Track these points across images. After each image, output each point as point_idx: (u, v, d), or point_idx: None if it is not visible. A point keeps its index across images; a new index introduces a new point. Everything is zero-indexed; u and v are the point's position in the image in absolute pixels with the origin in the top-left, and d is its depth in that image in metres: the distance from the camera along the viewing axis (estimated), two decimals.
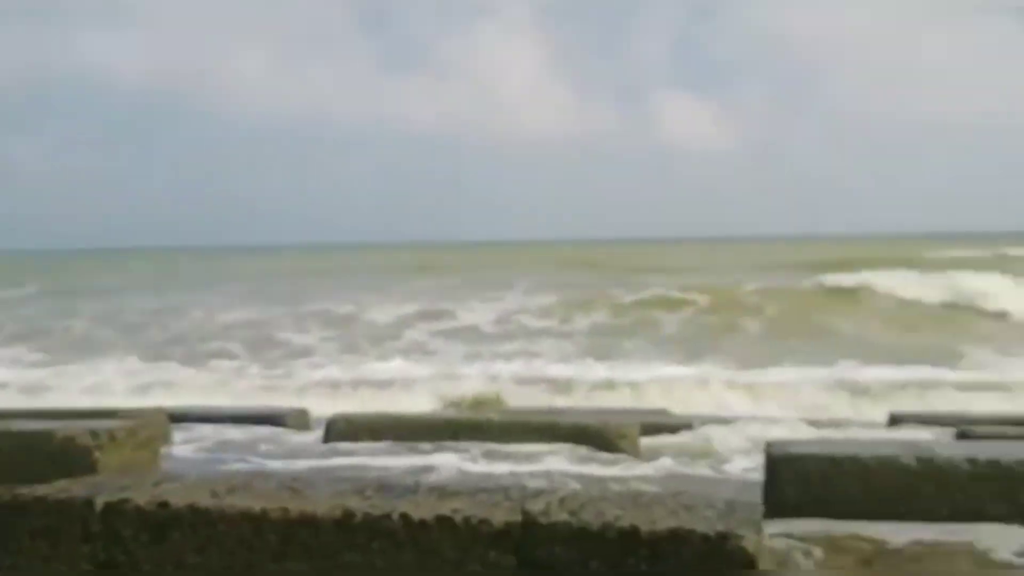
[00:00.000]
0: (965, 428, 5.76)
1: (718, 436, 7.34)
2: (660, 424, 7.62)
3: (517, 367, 13.79)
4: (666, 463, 5.82)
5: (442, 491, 2.81)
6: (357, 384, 12.12)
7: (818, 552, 3.54)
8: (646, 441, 7.17)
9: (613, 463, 5.63)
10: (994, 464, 3.84)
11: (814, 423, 7.82)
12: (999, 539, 3.60)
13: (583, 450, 5.95)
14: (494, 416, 6.77)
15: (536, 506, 2.61)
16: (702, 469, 5.87)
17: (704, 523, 2.47)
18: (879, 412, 8.51)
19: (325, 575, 2.59)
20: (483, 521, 2.55)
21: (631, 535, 2.45)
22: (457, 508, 2.61)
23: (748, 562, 2.40)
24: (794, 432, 6.85)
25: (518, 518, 2.55)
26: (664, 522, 2.48)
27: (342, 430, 6.64)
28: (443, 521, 2.56)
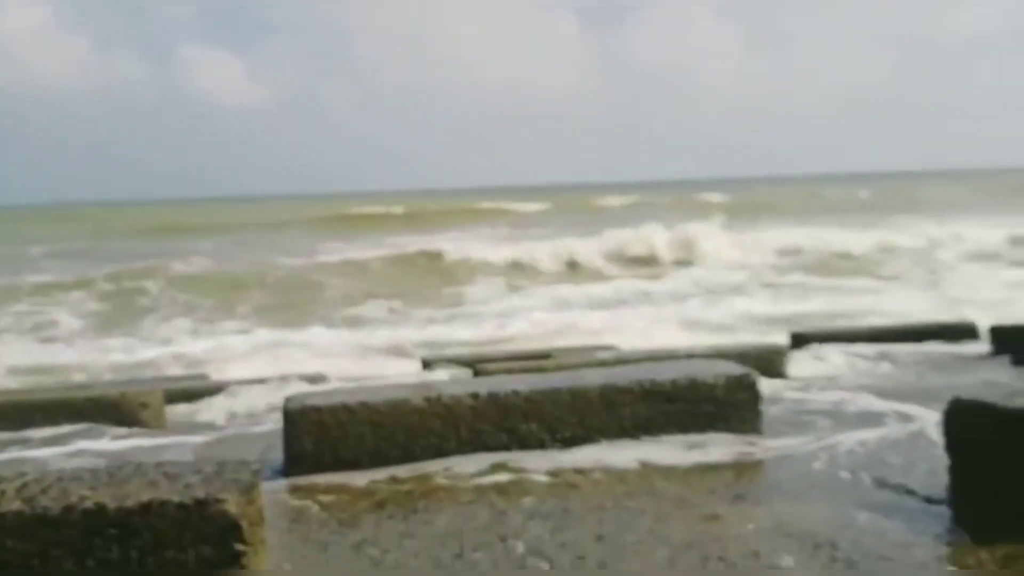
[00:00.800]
0: (479, 367, 6.16)
1: (253, 397, 7.18)
2: (192, 390, 7.26)
3: None
4: (192, 431, 5.51)
5: None
6: None
7: (332, 500, 3.53)
8: (179, 409, 6.80)
9: (128, 437, 5.20)
10: (493, 397, 4.09)
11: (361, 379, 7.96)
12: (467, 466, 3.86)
13: (98, 427, 5.43)
14: None
15: None
16: (232, 431, 5.65)
17: (182, 492, 2.28)
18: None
19: None
20: None
21: (97, 515, 2.20)
22: None
23: (232, 526, 2.26)
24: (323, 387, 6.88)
25: None
26: (136, 496, 2.26)
27: None
28: None
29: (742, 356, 5.97)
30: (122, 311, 16.95)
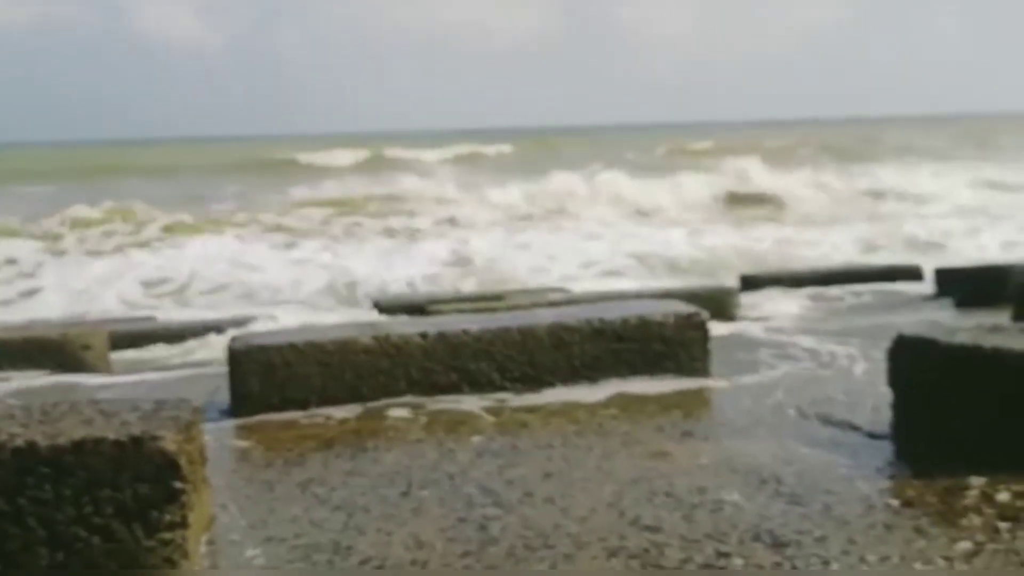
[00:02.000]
0: (428, 307, 6.12)
1: (207, 340, 7.09)
2: (141, 332, 7.14)
3: None
4: (136, 372, 5.41)
5: None
6: None
7: (278, 440, 3.49)
8: (127, 354, 6.67)
9: (67, 380, 5.08)
10: (443, 337, 4.06)
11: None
12: (415, 406, 3.84)
13: (34, 372, 5.29)
14: None
15: None
16: (180, 374, 5.56)
17: (118, 430, 2.22)
18: None
19: None
20: None
21: (28, 453, 2.13)
22: None
23: (170, 463, 2.20)
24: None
25: None
26: (70, 433, 2.19)
27: None
28: None
29: (692, 297, 5.99)
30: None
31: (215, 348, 6.52)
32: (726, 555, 2.28)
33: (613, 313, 4.31)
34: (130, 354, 6.68)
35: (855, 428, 3.34)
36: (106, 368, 5.71)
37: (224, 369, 4.05)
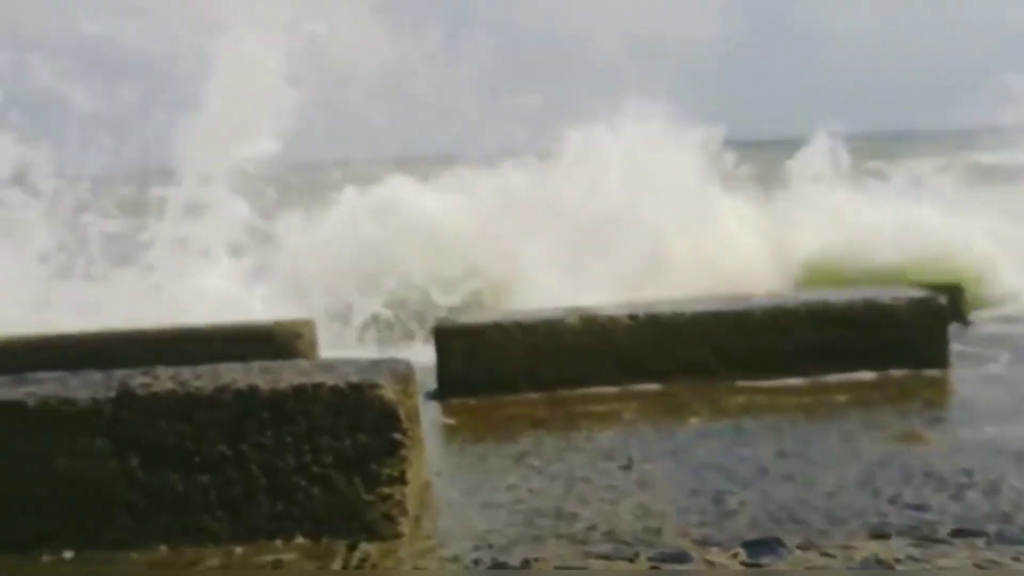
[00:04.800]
0: None
1: None
2: None
3: None
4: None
5: (21, 379, 2.27)
6: None
7: (487, 419, 3.37)
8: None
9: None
10: (653, 319, 3.84)
11: None
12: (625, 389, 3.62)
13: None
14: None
15: (137, 380, 2.15)
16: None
17: (336, 377, 2.13)
18: None
19: None
20: (65, 401, 2.06)
21: (250, 397, 2.07)
22: (31, 391, 2.10)
23: (390, 413, 2.09)
24: None
25: (111, 394, 2.08)
26: (289, 380, 2.12)
27: None
28: (8, 408, 2.05)
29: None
30: None
31: None
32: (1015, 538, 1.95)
33: (837, 296, 3.97)
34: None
35: None
36: (315, 356, 5.81)
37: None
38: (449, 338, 3.84)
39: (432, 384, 3.73)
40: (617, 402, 3.48)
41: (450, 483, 2.57)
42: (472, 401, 3.64)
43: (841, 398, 3.37)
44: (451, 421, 3.40)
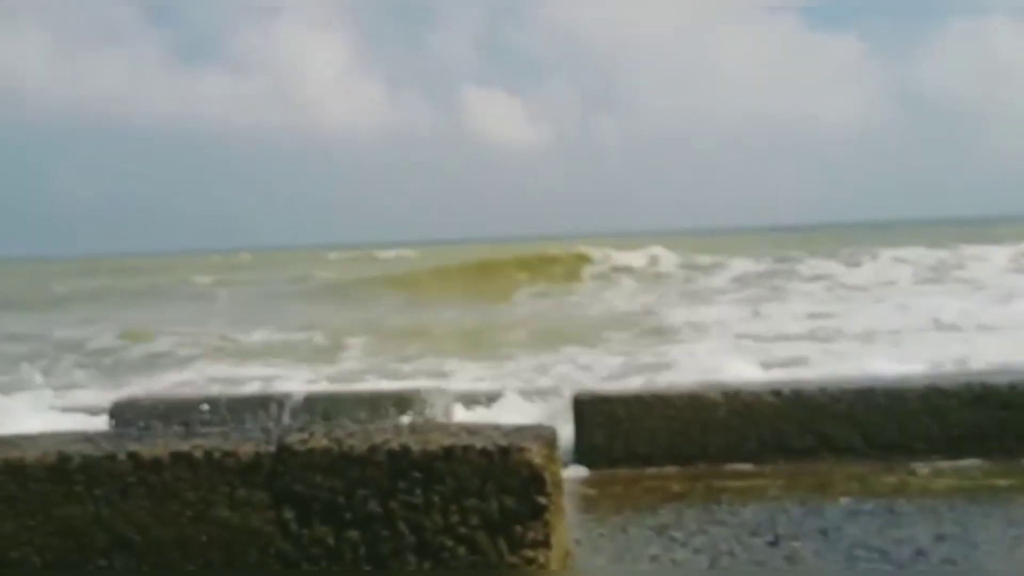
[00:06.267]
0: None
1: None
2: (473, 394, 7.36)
3: None
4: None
5: (189, 430, 2.40)
6: None
7: (626, 490, 3.34)
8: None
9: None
10: (798, 396, 3.75)
11: None
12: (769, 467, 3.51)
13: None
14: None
15: (294, 437, 2.25)
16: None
17: (485, 440, 2.17)
18: None
19: (36, 533, 2.13)
20: (228, 454, 2.17)
21: (401, 457, 2.13)
22: (199, 444, 2.22)
23: (535, 477, 2.11)
24: None
25: (271, 448, 2.18)
26: (439, 442, 2.17)
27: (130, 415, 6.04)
28: (180, 458, 2.16)
29: None
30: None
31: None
32: None
33: (998, 377, 3.78)
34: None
35: None
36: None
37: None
38: (588, 408, 3.84)
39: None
40: (760, 479, 3.40)
41: (591, 552, 2.55)
42: (610, 473, 3.62)
43: (1003, 483, 3.20)
44: (589, 491, 3.39)
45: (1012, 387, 3.70)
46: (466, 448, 2.13)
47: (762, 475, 3.47)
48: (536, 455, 2.12)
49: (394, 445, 2.14)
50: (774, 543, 2.55)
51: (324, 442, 2.18)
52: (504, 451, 2.12)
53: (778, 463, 3.64)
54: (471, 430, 2.36)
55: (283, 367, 9.84)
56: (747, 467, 3.57)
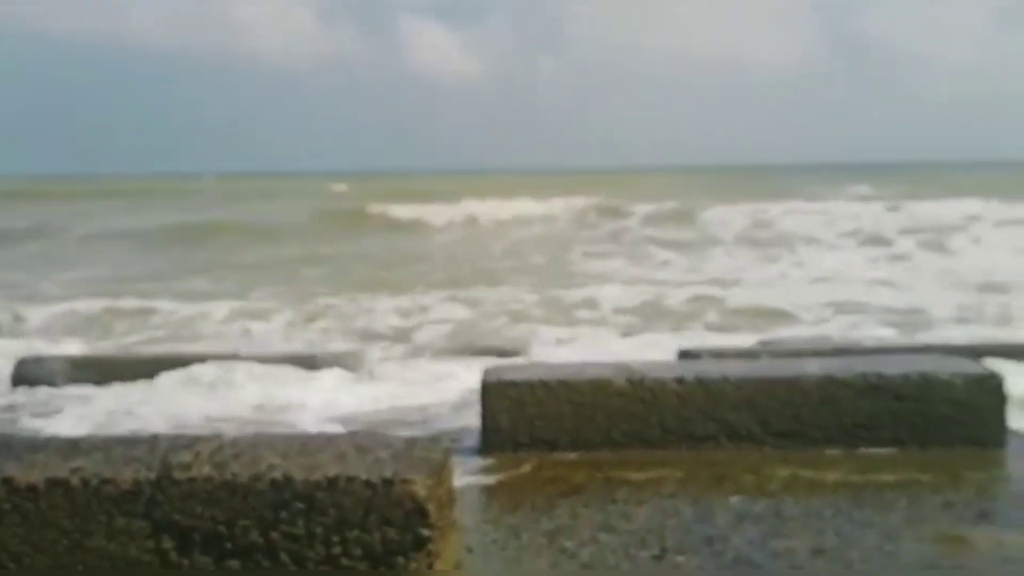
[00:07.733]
0: (685, 349, 5.84)
1: None
2: None
3: None
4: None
5: (72, 448, 2.34)
6: None
7: (527, 481, 3.38)
8: None
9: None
10: (701, 383, 3.81)
11: None
12: (669, 455, 3.59)
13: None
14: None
15: (179, 458, 2.21)
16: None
17: (370, 468, 2.16)
18: None
19: None
20: (106, 481, 2.13)
21: (284, 486, 2.11)
22: (78, 467, 2.17)
23: (419, 508, 2.12)
24: None
25: (151, 475, 2.14)
26: (325, 469, 2.16)
27: (34, 373, 5.91)
28: (56, 485, 2.12)
29: (979, 353, 5.35)
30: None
31: None
32: None
33: (891, 368, 3.89)
34: None
35: None
36: None
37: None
38: (494, 392, 3.84)
39: None
40: (658, 471, 3.46)
41: (481, 562, 2.58)
42: (513, 458, 3.66)
43: (886, 480, 3.31)
44: (489, 481, 3.42)
45: (905, 378, 3.81)
46: (350, 479, 2.12)
47: (663, 464, 3.54)
48: (420, 487, 2.12)
49: (277, 474, 2.13)
50: (659, 556, 2.61)
51: (206, 469, 2.15)
52: (388, 483, 2.12)
53: (680, 450, 3.72)
54: (362, 447, 2.35)
55: None
56: (649, 455, 3.64)
